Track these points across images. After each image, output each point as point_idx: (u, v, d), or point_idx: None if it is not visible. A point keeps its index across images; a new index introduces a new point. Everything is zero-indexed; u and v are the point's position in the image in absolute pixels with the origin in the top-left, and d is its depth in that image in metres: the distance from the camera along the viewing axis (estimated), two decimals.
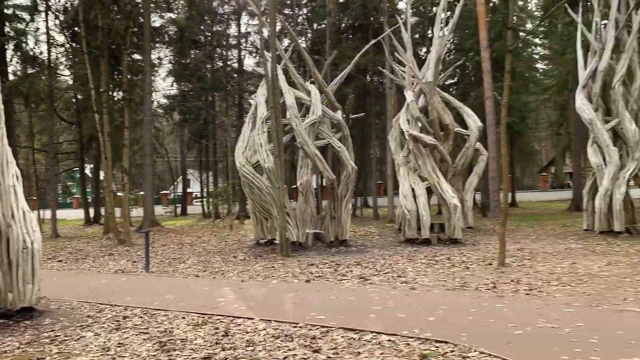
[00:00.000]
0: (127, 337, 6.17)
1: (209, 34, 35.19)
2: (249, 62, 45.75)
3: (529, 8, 45.52)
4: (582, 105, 16.06)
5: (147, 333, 6.34)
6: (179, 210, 38.79)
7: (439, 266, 10.84)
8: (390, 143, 19.02)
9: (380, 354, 5.22)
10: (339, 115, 15.50)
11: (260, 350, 5.51)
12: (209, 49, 34.42)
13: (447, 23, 17.81)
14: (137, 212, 30.60)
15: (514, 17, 29.96)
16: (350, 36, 30.87)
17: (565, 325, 5.88)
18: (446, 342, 5.45)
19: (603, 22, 17.43)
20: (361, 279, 9.48)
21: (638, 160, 15.47)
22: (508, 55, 10.60)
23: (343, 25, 29.53)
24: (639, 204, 16.31)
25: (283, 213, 12.90)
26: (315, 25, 31.83)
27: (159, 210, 32.61)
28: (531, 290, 8.00)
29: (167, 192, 45.73)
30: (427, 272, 10.03)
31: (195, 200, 42.68)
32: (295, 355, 5.33)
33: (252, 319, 6.79)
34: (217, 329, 6.42)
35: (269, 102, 13.16)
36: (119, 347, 5.81)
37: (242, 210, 31.09)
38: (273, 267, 11.42)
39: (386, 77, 23.50)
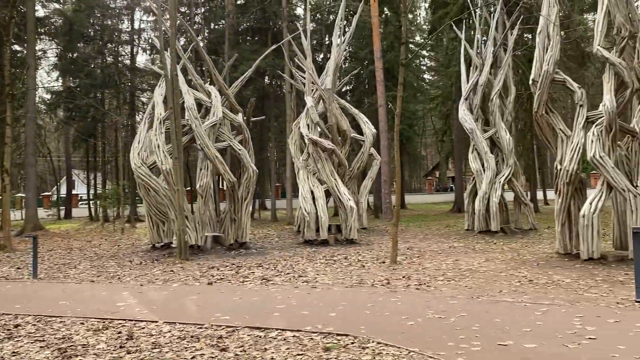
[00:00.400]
0: (21, 346, 5.89)
1: (99, 28, 33.53)
2: (142, 59, 44.18)
3: (418, 22, 48.38)
4: (464, 116, 17.50)
5: (43, 340, 6.09)
6: (62, 213, 36.39)
7: (337, 265, 11.34)
8: (290, 146, 19.42)
9: (286, 349, 5.48)
10: (239, 117, 15.59)
11: (167, 352, 5.54)
12: (100, 43, 32.76)
13: (344, 32, 18.55)
14: (14, 216, 28.34)
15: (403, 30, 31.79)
16: (249, 38, 30.99)
17: (451, 316, 6.52)
18: (347, 335, 5.83)
19: (484, 39, 19.11)
20: (263, 280, 9.69)
21: (511, 167, 17.17)
22: (401, 68, 11.35)
23: (242, 27, 29.52)
24: (512, 206, 18.04)
25: (182, 216, 12.75)
26: (212, 25, 31.54)
27: (40, 213, 30.41)
28: (420, 285, 8.70)
29: (49, 193, 42.70)
30: (327, 272, 10.47)
31: (81, 203, 40.29)
32: (203, 354, 5.42)
33: (156, 321, 6.75)
34: (119, 333, 6.32)
35: (168, 103, 12.94)
36: (14, 355, 5.54)
37: (133, 213, 29.95)
38: (172, 270, 11.27)
39: (285, 81, 23.89)
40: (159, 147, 14.00)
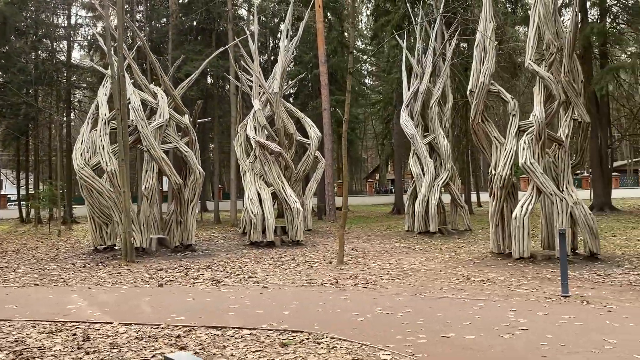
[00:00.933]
0: None
1: (33, 22, 32.16)
2: (78, 56, 42.65)
3: (360, 27, 49.48)
4: (406, 122, 18.23)
5: None
6: None
7: (286, 266, 11.63)
8: (236, 149, 19.50)
9: (244, 346, 5.72)
10: (186, 119, 15.56)
11: (126, 352, 5.65)
12: (34, 38, 31.46)
13: (291, 37, 18.83)
14: None
15: (346, 35, 32.50)
16: (192, 38, 30.68)
17: (397, 311, 6.96)
18: (301, 332, 6.14)
19: (424, 45, 19.89)
20: (214, 282, 9.83)
21: (449, 171, 18.04)
22: (349, 76, 11.80)
23: (185, 26, 29.21)
24: (448, 208, 18.93)
25: (128, 218, 12.63)
26: (153, 24, 30.99)
27: None
28: (367, 284, 9.13)
29: None
30: (276, 272, 10.73)
31: (9, 204, 38.46)
32: (163, 353, 5.57)
33: (111, 323, 6.80)
34: (74, 335, 6.34)
35: (115, 103, 12.78)
36: None
37: (69, 215, 28.93)
38: (119, 273, 11.17)
39: (230, 82, 23.89)
40: (103, 147, 13.79)
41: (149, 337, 6.19)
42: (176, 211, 14.89)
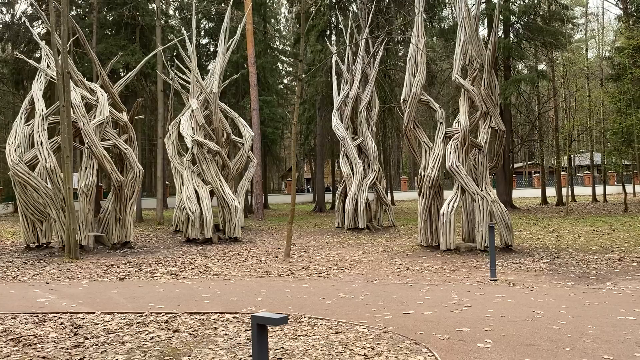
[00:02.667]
0: None
1: None
2: None
3: (278, 27, 50.37)
4: (337, 124, 19.33)
5: None
6: None
7: (235, 261, 12.22)
8: (168, 147, 19.61)
9: (234, 327, 6.38)
10: (125, 116, 15.59)
11: (123, 336, 6.10)
12: None
13: (225, 38, 19.25)
14: None
15: (268, 34, 33.21)
16: (114, 33, 29.95)
17: (358, 295, 7.90)
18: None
19: (350, 44, 21.15)
20: (172, 275, 10.25)
21: (376, 171, 19.36)
22: (299, 82, 12.59)
23: (110, 19, 28.49)
24: (374, 205, 20.27)
25: (73, 215, 12.60)
26: (75, 16, 29.89)
27: None
28: (320, 274, 10.01)
29: None
30: (229, 266, 11.31)
31: None
32: (159, 336, 6.10)
33: (93, 312, 7.15)
34: (62, 324, 6.64)
35: (59, 100, 12.66)
36: None
37: None
38: (69, 269, 11.22)
39: (158, 79, 23.77)
40: (42, 144, 13.57)
41: (138, 323, 6.65)
42: (115, 208, 14.90)
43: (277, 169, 55.88)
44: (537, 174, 52.06)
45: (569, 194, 31.63)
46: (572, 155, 34.28)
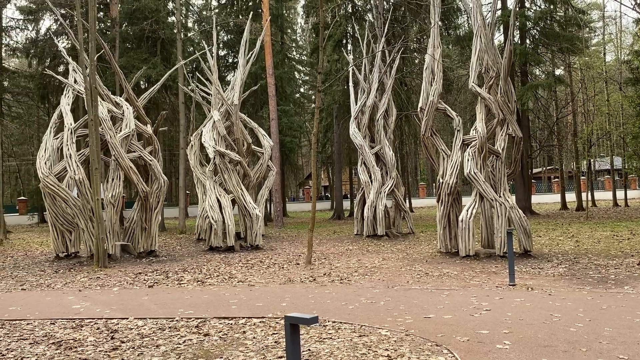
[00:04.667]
0: (8, 344, 6.37)
1: None
2: (15, 62, 41.04)
3: (294, 37, 50.98)
4: (355, 133, 19.62)
5: (26, 339, 6.59)
6: None
7: (258, 268, 12.53)
8: (190, 157, 20.08)
9: (261, 331, 6.67)
10: (149, 129, 16.07)
11: (157, 339, 6.43)
12: None
13: (245, 51, 19.70)
14: None
15: (285, 45, 33.68)
16: (135, 47, 30.69)
17: (380, 300, 8.14)
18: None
19: (368, 53, 21.46)
20: (199, 282, 10.60)
21: (394, 179, 19.58)
22: (317, 93, 12.92)
23: (131, 33, 29.21)
24: (393, 212, 20.46)
25: (101, 225, 13.05)
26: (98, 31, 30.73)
27: None
28: (342, 280, 10.27)
29: None
30: (252, 273, 11.63)
31: None
32: (191, 339, 6.42)
33: (127, 318, 7.50)
34: (98, 329, 7.01)
35: (88, 114, 13.17)
36: (11, 352, 6.06)
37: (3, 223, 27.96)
38: (99, 277, 11.64)
39: (180, 91, 24.32)
40: (70, 156, 14.08)
41: (170, 327, 6.98)
42: (141, 218, 15.35)
43: (295, 177, 56.33)
44: (556, 179, 51.68)
45: (589, 198, 31.45)
46: (591, 160, 34.07)
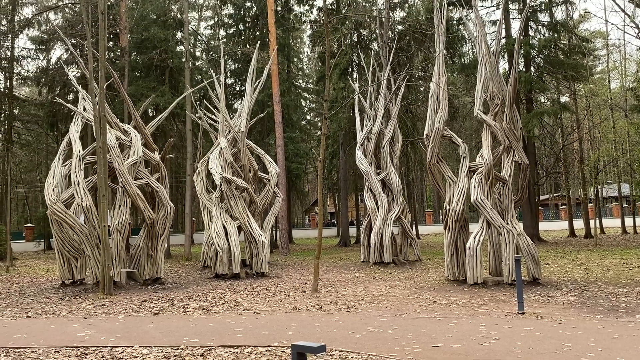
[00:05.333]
0: None
1: None
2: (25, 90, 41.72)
3: (300, 66, 51.63)
4: (361, 159, 19.67)
5: None
6: None
7: (263, 295, 12.44)
8: (196, 184, 20.15)
9: (267, 359, 6.59)
10: (157, 156, 16.18)
11: None
12: None
13: (252, 79, 19.94)
14: None
15: (292, 73, 34.10)
16: (144, 75, 31.16)
17: (387, 329, 8.04)
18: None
19: (372, 79, 21.65)
20: (204, 310, 10.52)
21: (400, 205, 19.54)
22: (324, 121, 13.02)
23: (141, 62, 29.69)
24: (399, 239, 20.35)
25: (108, 252, 13.04)
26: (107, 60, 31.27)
27: None
28: (349, 308, 10.17)
29: None
30: (258, 301, 11.54)
31: None
32: None
33: (132, 346, 7.44)
34: (103, 357, 6.95)
35: (97, 141, 13.30)
36: None
37: (10, 250, 27.99)
38: (104, 304, 11.57)
39: (187, 119, 24.55)
40: (78, 183, 14.17)
41: (175, 356, 6.91)
42: (147, 245, 15.33)
43: (301, 203, 56.30)
44: (564, 206, 51.38)
45: (597, 226, 31.19)
46: (599, 187, 33.90)
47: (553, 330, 7.67)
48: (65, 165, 15.48)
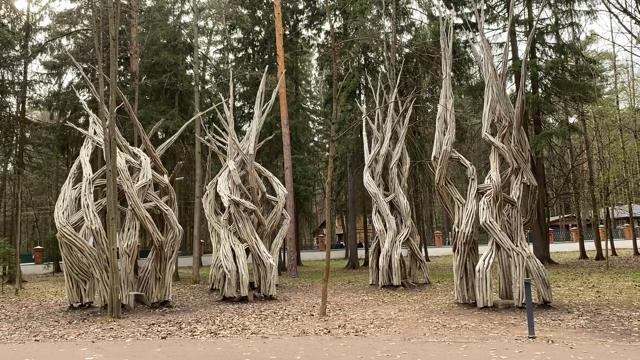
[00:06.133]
0: None
1: None
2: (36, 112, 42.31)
3: (308, 88, 52.12)
4: (369, 181, 19.68)
5: None
6: None
7: (271, 319, 12.36)
8: (205, 206, 20.23)
9: None
10: (166, 179, 16.29)
11: None
12: None
13: (261, 102, 20.12)
14: None
15: (300, 95, 34.39)
16: (153, 99, 31.54)
17: (396, 353, 7.96)
18: None
19: (380, 102, 21.76)
20: (211, 334, 10.46)
21: (409, 227, 19.46)
22: (332, 143, 13.09)
23: (151, 85, 30.09)
24: (408, 262, 20.22)
25: (116, 275, 13.06)
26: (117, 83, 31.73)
27: None
28: (357, 332, 10.08)
29: None
30: (266, 325, 11.47)
31: None
32: None
33: None
34: None
35: (107, 165, 13.43)
36: None
37: (19, 273, 28.06)
38: (112, 328, 11.55)
39: (196, 141, 24.76)
40: (88, 206, 14.27)
41: None
42: (156, 267, 15.35)
43: (309, 225, 56.26)
44: (574, 227, 50.89)
45: (609, 247, 30.84)
46: (609, 208, 33.62)
47: (564, 355, 7.55)
48: (75, 188, 15.62)
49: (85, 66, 29.85)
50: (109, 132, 13.47)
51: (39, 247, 38.59)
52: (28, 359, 8.43)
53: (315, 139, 56.02)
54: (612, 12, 26.08)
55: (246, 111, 35.66)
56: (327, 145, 55.99)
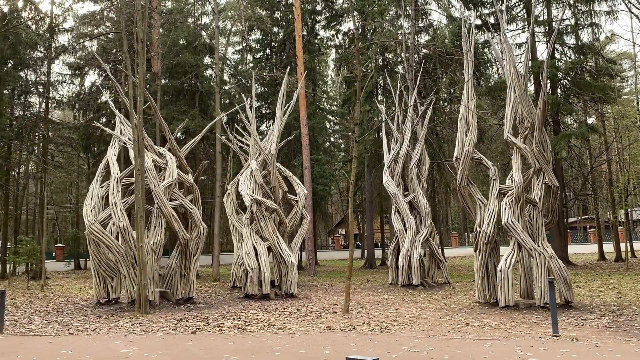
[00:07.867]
0: None
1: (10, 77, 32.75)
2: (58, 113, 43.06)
3: (325, 89, 52.34)
4: (388, 182, 19.84)
5: None
6: None
7: (295, 316, 12.61)
8: (226, 205, 20.54)
9: None
10: (190, 178, 16.62)
11: None
12: (10, 95, 32.00)
13: (283, 103, 20.39)
14: None
15: (317, 96, 34.61)
16: (174, 99, 32.00)
17: (423, 349, 8.14)
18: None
19: (401, 106, 21.90)
20: (239, 329, 10.73)
21: (428, 227, 19.59)
22: (354, 144, 13.31)
23: (172, 86, 30.54)
24: (427, 262, 20.34)
25: (144, 271, 13.40)
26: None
27: None
28: (382, 329, 10.28)
29: None
30: (291, 321, 11.72)
31: None
32: None
33: None
34: None
35: (135, 164, 13.78)
36: None
37: (43, 269, 28.66)
38: (141, 323, 11.87)
39: (217, 141, 25.11)
40: (116, 204, 14.63)
41: None
42: (181, 265, 15.68)
43: (325, 224, 56.47)
44: (592, 229, 50.48)
45: (628, 249, 30.63)
46: (629, 209, 33.39)
47: (590, 352, 7.68)
48: (102, 187, 16.01)
49: (109, 66, 30.38)
50: (137, 133, 13.81)
51: (59, 244, 39.28)
52: (66, 351, 8.75)
53: (332, 139, 56.24)
54: (632, 12, 25.98)
55: (264, 111, 35.99)
56: (342, 145, 56.17)
